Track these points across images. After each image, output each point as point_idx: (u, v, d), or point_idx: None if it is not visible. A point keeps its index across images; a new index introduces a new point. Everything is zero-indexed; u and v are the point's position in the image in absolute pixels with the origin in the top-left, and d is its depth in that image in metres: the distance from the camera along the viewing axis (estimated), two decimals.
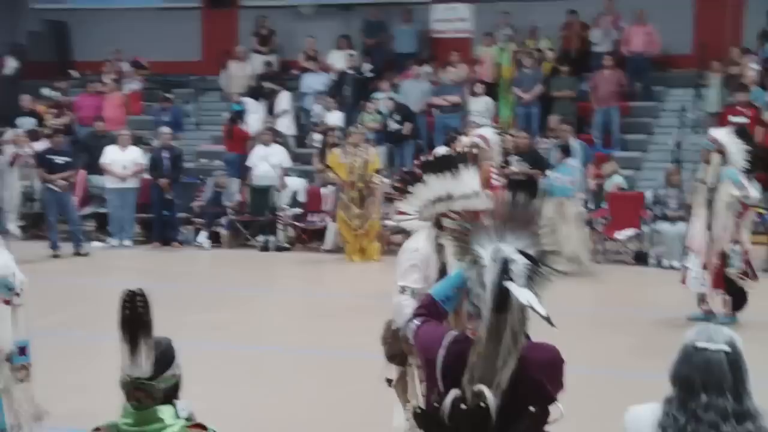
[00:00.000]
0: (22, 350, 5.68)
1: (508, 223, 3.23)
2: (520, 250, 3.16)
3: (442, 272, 4.69)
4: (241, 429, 6.33)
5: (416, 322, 3.52)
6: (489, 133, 10.96)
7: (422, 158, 5.25)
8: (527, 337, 3.23)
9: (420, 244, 4.96)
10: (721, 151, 9.42)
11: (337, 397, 7.49)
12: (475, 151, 8.39)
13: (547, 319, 3.05)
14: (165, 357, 3.17)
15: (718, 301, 9.61)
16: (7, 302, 5.50)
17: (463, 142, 10.24)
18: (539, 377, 3.20)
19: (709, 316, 9.32)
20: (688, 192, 10.55)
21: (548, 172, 13.05)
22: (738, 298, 9.57)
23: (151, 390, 3.10)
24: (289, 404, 7.30)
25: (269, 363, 8.60)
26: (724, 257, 9.45)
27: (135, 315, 3.05)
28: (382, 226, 13.74)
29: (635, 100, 17.12)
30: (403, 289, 4.89)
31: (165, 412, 3.12)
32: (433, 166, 4.91)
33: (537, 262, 3.17)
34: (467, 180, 4.75)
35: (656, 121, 16.34)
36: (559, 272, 3.21)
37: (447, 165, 4.88)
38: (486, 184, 7.17)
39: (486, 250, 3.18)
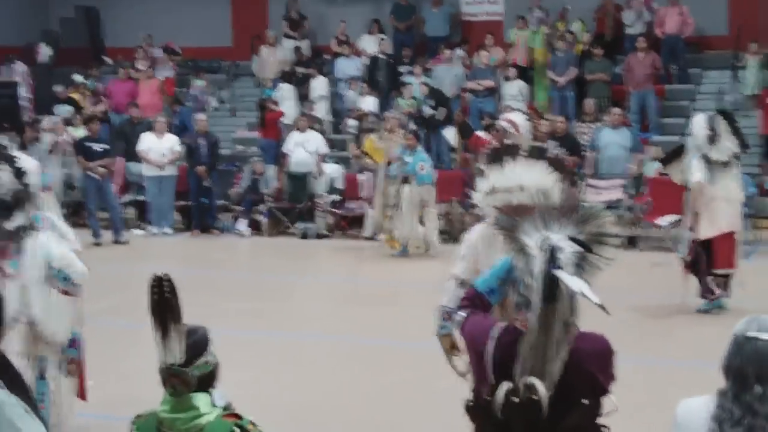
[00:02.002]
0: (72, 342, 5.74)
1: (553, 210, 3.20)
2: (569, 238, 3.12)
3: None
4: (279, 417, 6.34)
5: (462, 314, 3.47)
6: (518, 118, 10.96)
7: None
8: (577, 327, 3.18)
9: (473, 234, 5.06)
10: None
11: (377, 384, 7.50)
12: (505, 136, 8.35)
13: (601, 307, 3.01)
14: (198, 344, 3.15)
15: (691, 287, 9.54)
16: (66, 293, 5.55)
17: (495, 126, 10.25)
18: (590, 368, 3.15)
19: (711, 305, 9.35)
20: None
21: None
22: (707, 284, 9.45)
23: (184, 377, 3.09)
24: (328, 392, 7.31)
25: (308, 350, 8.63)
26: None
27: (162, 300, 3.05)
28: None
29: (671, 82, 16.97)
30: (450, 277, 5.07)
31: (200, 399, 3.11)
32: (489, 157, 4.95)
33: (585, 250, 3.12)
34: (514, 173, 4.68)
35: (693, 104, 16.21)
36: (608, 259, 3.15)
37: (497, 158, 4.90)
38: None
39: (533, 239, 3.14)
